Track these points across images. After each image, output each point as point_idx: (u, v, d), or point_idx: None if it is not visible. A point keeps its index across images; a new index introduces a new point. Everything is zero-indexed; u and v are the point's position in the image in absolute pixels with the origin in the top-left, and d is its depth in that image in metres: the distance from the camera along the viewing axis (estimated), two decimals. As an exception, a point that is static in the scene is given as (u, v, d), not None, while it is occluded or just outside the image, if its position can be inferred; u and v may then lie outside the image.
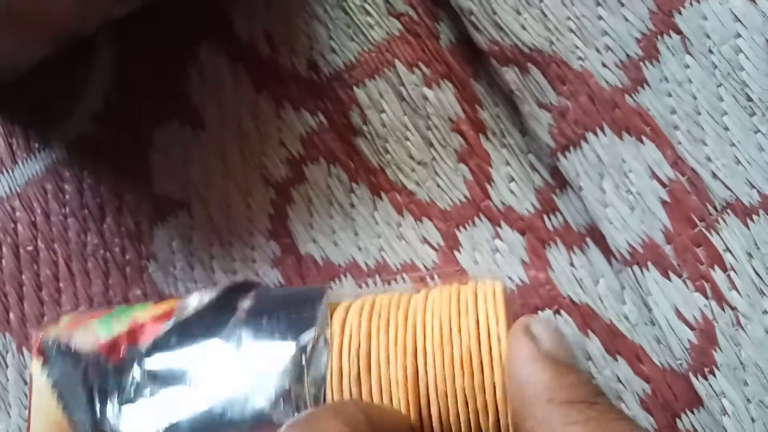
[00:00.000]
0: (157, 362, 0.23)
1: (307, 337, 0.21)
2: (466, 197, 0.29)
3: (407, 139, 0.29)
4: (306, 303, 0.23)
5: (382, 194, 0.29)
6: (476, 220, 0.28)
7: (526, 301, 0.27)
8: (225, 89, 0.31)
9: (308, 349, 0.21)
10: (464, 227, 0.28)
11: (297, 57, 0.31)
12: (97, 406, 0.22)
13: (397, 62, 0.30)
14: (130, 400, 0.22)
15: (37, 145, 0.33)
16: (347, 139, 0.30)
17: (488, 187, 0.29)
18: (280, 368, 0.21)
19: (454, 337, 0.21)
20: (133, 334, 0.24)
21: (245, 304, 0.24)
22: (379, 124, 0.30)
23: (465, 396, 0.21)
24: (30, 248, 0.32)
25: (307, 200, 0.30)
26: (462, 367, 0.21)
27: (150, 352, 0.23)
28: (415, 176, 0.29)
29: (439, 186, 0.29)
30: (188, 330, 0.23)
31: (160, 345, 0.23)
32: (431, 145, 0.29)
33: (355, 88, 0.30)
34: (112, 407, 0.22)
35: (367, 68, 0.30)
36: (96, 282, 0.32)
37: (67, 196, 0.32)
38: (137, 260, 0.31)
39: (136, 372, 0.23)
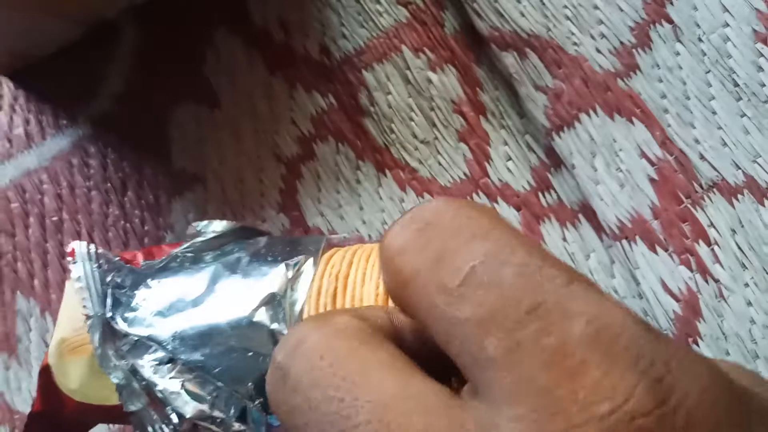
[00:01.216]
0: (164, 277, 0.25)
1: (295, 260, 0.23)
2: (465, 174, 0.30)
3: (411, 119, 0.31)
4: (303, 242, 0.25)
5: (387, 171, 0.31)
6: (474, 196, 0.30)
7: (520, 272, 0.29)
8: (240, 71, 0.33)
9: (295, 268, 0.23)
10: (463, 203, 0.30)
11: (309, 42, 0.33)
12: (109, 306, 0.24)
13: (404, 47, 0.32)
14: (138, 308, 0.25)
15: (65, 122, 0.35)
16: (355, 119, 0.32)
17: (487, 165, 0.30)
18: (267, 282, 0.23)
19: None
20: (150, 252, 0.26)
21: (253, 240, 0.26)
22: (385, 105, 0.31)
23: None
24: (55, 218, 0.34)
25: (316, 176, 0.32)
26: None
27: (162, 268, 0.25)
28: (418, 154, 0.31)
29: (440, 164, 0.31)
30: (199, 254, 0.26)
31: (168, 264, 0.26)
32: (434, 125, 0.31)
33: (363, 72, 0.32)
34: (122, 310, 0.25)
35: (375, 53, 0.32)
36: (115, 252, 0.34)
37: (92, 171, 0.34)
38: (155, 231, 0.33)
39: (148, 282, 0.25)
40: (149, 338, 0.24)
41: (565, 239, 0.29)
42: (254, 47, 0.33)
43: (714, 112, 0.28)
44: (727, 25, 0.28)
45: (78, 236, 0.34)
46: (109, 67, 0.35)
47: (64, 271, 0.34)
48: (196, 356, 0.23)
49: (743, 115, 0.28)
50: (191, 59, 0.34)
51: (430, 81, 0.31)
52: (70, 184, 0.34)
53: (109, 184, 0.34)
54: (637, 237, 0.27)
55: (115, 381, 0.24)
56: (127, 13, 0.34)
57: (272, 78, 0.33)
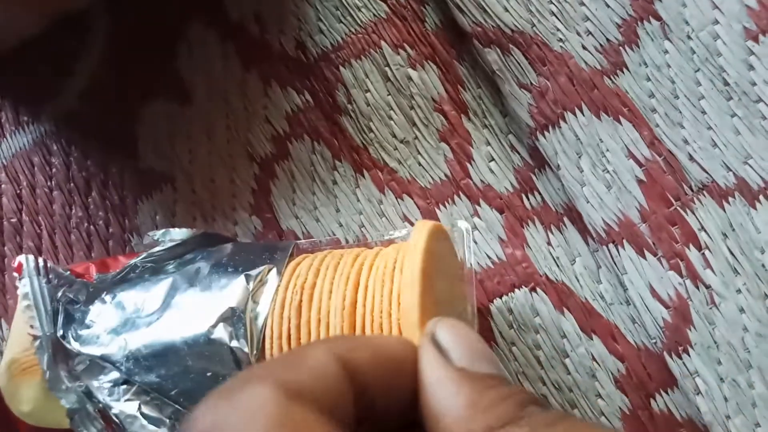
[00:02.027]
0: (121, 291, 0.23)
1: (257, 270, 0.22)
2: (446, 175, 0.29)
3: (391, 118, 0.30)
4: (270, 248, 0.23)
5: (365, 172, 0.30)
6: (456, 198, 0.29)
7: (503, 278, 0.28)
8: (213, 67, 0.32)
9: (256, 279, 0.21)
10: (444, 205, 0.29)
11: (285, 37, 0.31)
12: (61, 323, 0.23)
13: (383, 43, 0.30)
14: (92, 325, 0.23)
15: (26, 118, 0.33)
16: (332, 118, 0.30)
17: (468, 166, 0.29)
18: (226, 295, 0.22)
19: (396, 274, 0.21)
20: (104, 264, 0.25)
21: (217, 248, 0.24)
22: (363, 103, 0.30)
23: (400, 330, 0.20)
24: (14, 220, 0.33)
25: (291, 177, 0.30)
26: (399, 303, 0.20)
27: (120, 280, 0.24)
28: (397, 154, 0.30)
29: (420, 164, 0.29)
30: (160, 264, 0.24)
31: (127, 275, 0.24)
32: (414, 124, 0.30)
33: (341, 68, 0.31)
34: (76, 327, 0.23)
35: (353, 49, 0.31)
36: (78, 255, 0.32)
37: (54, 170, 0.33)
38: (120, 233, 0.32)
39: (103, 297, 0.23)
40: (103, 358, 0.22)
41: (549, 243, 0.28)
42: (228, 42, 0.32)
43: (703, 112, 0.27)
44: (717, 22, 0.27)
45: (38, 239, 0.32)
46: (75, 62, 0.33)
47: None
48: (152, 377, 0.21)
49: (733, 115, 0.27)
50: (162, 54, 0.32)
51: (410, 78, 0.30)
52: (31, 183, 0.33)
53: (72, 184, 0.32)
54: (624, 241, 0.26)
55: (67, 405, 0.22)
56: (97, 5, 0.33)
57: (246, 74, 0.31)
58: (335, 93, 0.30)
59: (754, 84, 0.26)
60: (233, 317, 0.21)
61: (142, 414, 0.22)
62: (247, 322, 0.21)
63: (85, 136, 0.33)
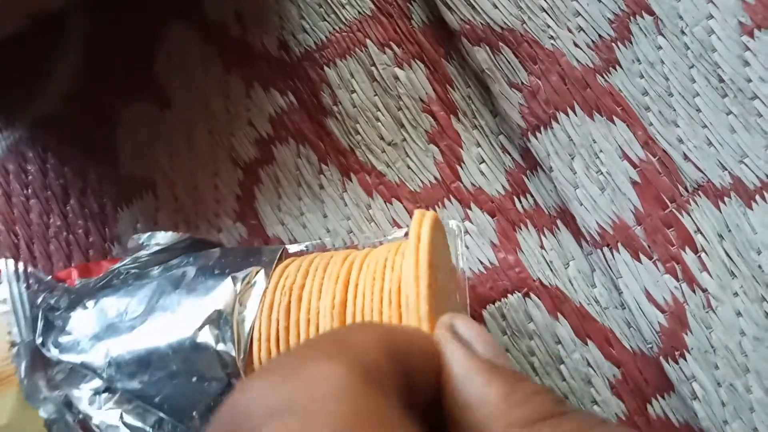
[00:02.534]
0: (103, 296, 0.23)
1: (245, 272, 0.21)
2: (436, 178, 0.28)
3: (378, 119, 0.29)
4: (259, 252, 0.22)
5: (352, 175, 0.29)
6: (446, 201, 0.28)
7: (495, 283, 0.27)
8: (194, 69, 0.31)
9: (243, 281, 0.21)
10: (434, 209, 0.28)
11: (268, 36, 0.30)
12: (40, 330, 0.22)
13: (368, 42, 0.29)
14: (72, 332, 0.22)
15: (-1, 124, 0.32)
16: (317, 120, 0.29)
17: (459, 168, 0.28)
18: (212, 298, 0.21)
19: (386, 272, 0.20)
20: (87, 269, 0.24)
21: (204, 253, 0.23)
22: (349, 104, 0.29)
23: None
24: (-10, 230, 0.31)
25: (276, 181, 0.29)
26: (390, 301, 0.20)
27: (103, 286, 0.23)
28: (385, 157, 0.29)
29: (409, 167, 0.28)
30: (144, 269, 0.23)
31: (110, 281, 0.23)
32: (402, 125, 0.29)
33: (325, 68, 0.30)
34: (55, 334, 0.22)
35: (338, 48, 0.30)
36: (58, 265, 0.31)
37: (30, 177, 0.32)
38: (101, 243, 0.31)
39: (85, 303, 0.22)
40: (83, 365, 0.21)
41: (542, 246, 0.27)
42: (209, 43, 0.31)
43: (698, 110, 0.26)
44: (712, 16, 0.26)
45: (16, 249, 0.31)
46: (51, 65, 0.32)
47: None
48: (134, 384, 0.21)
49: (729, 112, 0.26)
50: (141, 56, 0.31)
51: (397, 78, 0.29)
52: (6, 192, 0.31)
53: (49, 192, 0.31)
54: (619, 244, 0.25)
55: (44, 416, 0.21)
56: (73, 5, 0.31)
57: (228, 76, 0.30)
58: (320, 94, 0.29)
59: (750, 80, 0.26)
60: (219, 320, 0.21)
61: (124, 423, 0.21)
62: (234, 325, 0.20)
63: (61, 143, 0.31)
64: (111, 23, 0.31)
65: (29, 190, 0.31)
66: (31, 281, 0.23)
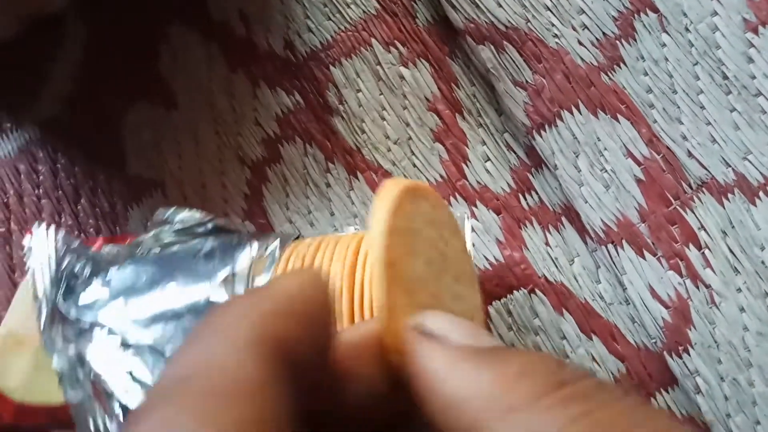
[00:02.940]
0: (124, 264, 0.23)
1: (264, 242, 0.22)
2: (441, 176, 0.28)
3: (383, 118, 0.29)
4: (276, 235, 0.24)
5: (359, 174, 0.29)
6: (452, 199, 0.28)
7: (501, 280, 0.27)
8: (198, 69, 0.31)
9: (260, 248, 0.22)
10: (440, 207, 0.28)
11: (273, 36, 0.30)
12: (62, 291, 0.23)
13: (373, 41, 0.30)
14: (91, 295, 0.23)
15: (9, 125, 0.33)
16: (323, 119, 0.30)
17: (464, 166, 0.28)
18: (229, 265, 0.22)
19: None
20: (113, 240, 0.25)
21: (225, 234, 0.24)
22: (355, 103, 0.29)
23: None
24: (2, 230, 0.32)
25: (283, 180, 0.30)
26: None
27: (123, 255, 0.24)
28: (391, 156, 0.29)
29: (415, 165, 0.29)
30: (165, 245, 0.24)
31: (132, 251, 0.24)
32: (407, 124, 0.29)
33: (331, 68, 0.30)
34: (75, 297, 0.23)
35: (343, 47, 0.30)
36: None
37: (41, 177, 0.32)
38: (111, 241, 0.31)
39: (105, 270, 0.23)
40: (99, 324, 0.22)
41: (547, 243, 0.27)
42: (213, 42, 0.31)
43: (702, 107, 0.26)
44: (716, 13, 0.26)
45: (28, 248, 0.32)
46: (53, 66, 0.32)
47: (15, 287, 0.32)
48: (147, 338, 0.22)
49: (733, 109, 0.26)
50: (145, 56, 0.31)
51: (402, 77, 0.29)
52: (18, 192, 0.32)
53: (60, 192, 0.32)
54: (623, 241, 0.26)
55: (58, 367, 0.22)
56: (73, 6, 0.32)
57: (233, 75, 0.31)
58: (326, 93, 0.30)
59: (754, 77, 0.26)
60: (234, 281, 0.22)
61: (134, 378, 0.22)
62: (249, 286, 0.21)
63: (69, 144, 0.32)
64: (111, 25, 0.32)
65: (40, 190, 0.32)
66: (61, 243, 0.24)
